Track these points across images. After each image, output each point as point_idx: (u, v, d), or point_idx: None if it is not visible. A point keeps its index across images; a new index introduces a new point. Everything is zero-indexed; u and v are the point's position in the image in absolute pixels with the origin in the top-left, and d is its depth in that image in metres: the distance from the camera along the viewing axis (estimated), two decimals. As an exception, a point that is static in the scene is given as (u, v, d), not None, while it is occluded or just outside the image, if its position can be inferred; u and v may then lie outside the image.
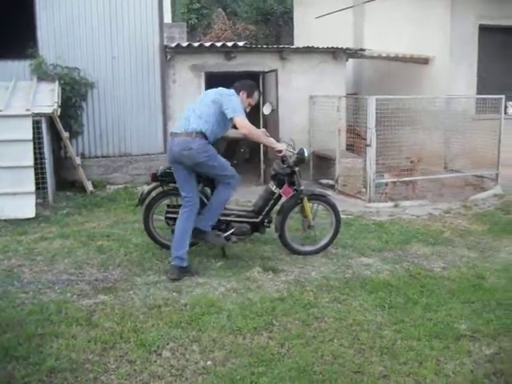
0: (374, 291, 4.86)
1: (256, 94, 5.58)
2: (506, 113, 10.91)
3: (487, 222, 7.55)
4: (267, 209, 5.77)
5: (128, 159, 10.02)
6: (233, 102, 5.22)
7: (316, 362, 3.64)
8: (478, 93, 11.02)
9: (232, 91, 5.38)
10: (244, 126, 5.20)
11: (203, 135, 5.16)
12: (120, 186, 9.55)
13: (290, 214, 5.92)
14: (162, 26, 10.08)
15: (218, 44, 10.28)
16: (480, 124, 9.91)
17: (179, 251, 5.19)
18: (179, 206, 5.54)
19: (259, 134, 5.57)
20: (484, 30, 11.20)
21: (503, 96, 9.94)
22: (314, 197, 6.03)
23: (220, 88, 5.45)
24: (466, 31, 11.04)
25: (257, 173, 10.79)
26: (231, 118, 5.18)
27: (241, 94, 5.43)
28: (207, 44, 10.26)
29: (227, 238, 5.65)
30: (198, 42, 13.73)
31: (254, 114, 10.84)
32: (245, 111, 5.36)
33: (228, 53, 10.25)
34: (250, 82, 5.66)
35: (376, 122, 8.62)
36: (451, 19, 10.89)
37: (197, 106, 5.32)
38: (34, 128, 7.61)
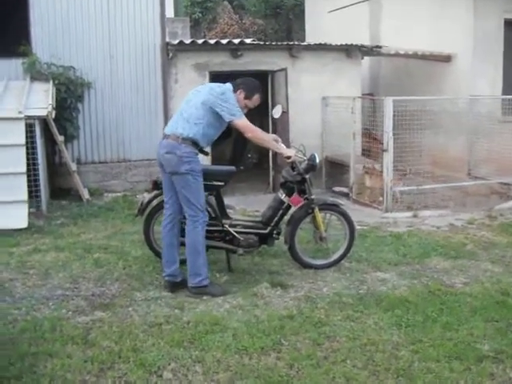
0: (390, 308, 4.88)
1: (256, 97, 5.37)
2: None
3: (513, 233, 7.56)
4: (276, 219, 5.80)
5: (127, 165, 10.10)
6: (227, 102, 5.07)
7: (327, 385, 3.67)
8: (504, 93, 11.00)
9: (224, 88, 5.18)
10: (248, 129, 5.16)
11: (191, 142, 5.05)
12: (118, 194, 9.65)
13: (300, 225, 5.94)
14: (163, 21, 10.18)
15: (224, 41, 10.36)
16: (507, 127, 9.92)
17: (199, 272, 5.17)
18: (183, 216, 5.35)
19: (265, 137, 5.49)
20: (510, 25, 11.20)
21: (532, 96, 9.98)
22: (325, 206, 6.04)
23: (211, 85, 5.35)
24: (491, 26, 11.02)
25: (266, 180, 10.85)
26: (230, 121, 5.09)
27: (238, 92, 5.26)
28: (212, 41, 10.35)
29: (233, 251, 5.72)
30: (203, 37, 13.84)
31: (261, 117, 10.96)
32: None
33: (234, 50, 10.30)
34: (254, 83, 5.43)
35: (393, 124, 8.66)
36: (474, 13, 10.88)
37: (185, 108, 5.19)
38: (26, 132, 7.67)
